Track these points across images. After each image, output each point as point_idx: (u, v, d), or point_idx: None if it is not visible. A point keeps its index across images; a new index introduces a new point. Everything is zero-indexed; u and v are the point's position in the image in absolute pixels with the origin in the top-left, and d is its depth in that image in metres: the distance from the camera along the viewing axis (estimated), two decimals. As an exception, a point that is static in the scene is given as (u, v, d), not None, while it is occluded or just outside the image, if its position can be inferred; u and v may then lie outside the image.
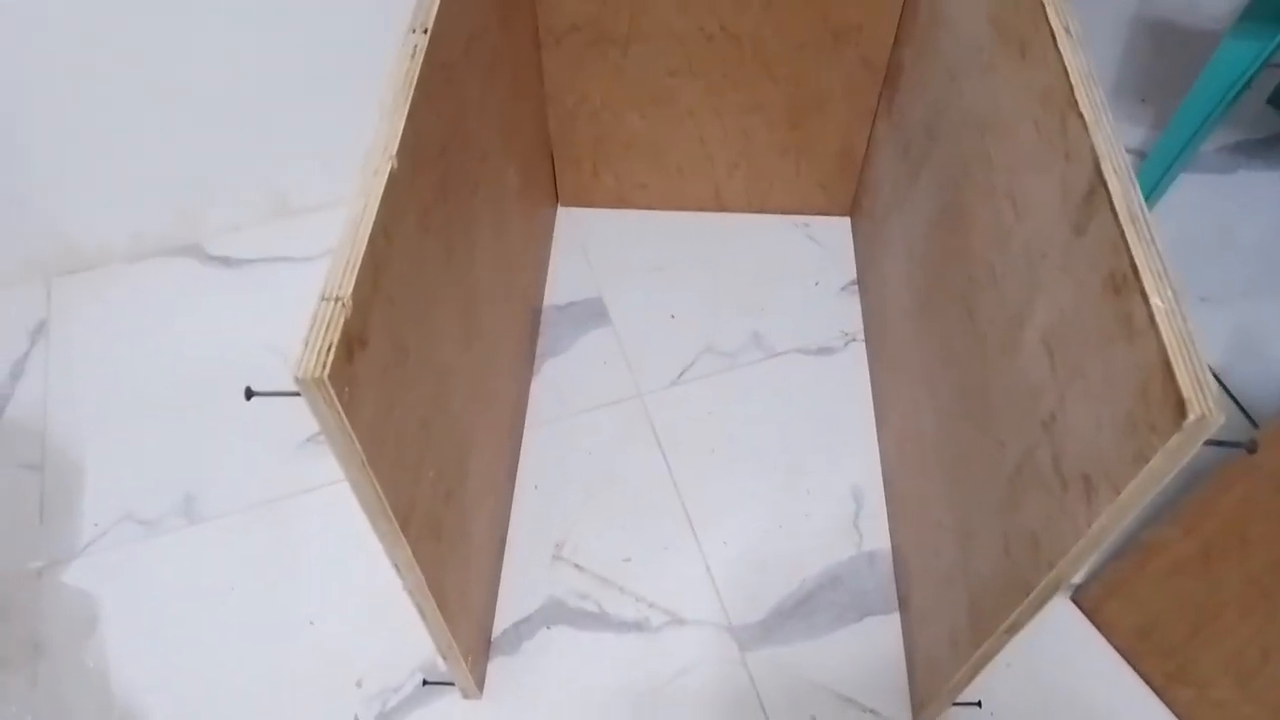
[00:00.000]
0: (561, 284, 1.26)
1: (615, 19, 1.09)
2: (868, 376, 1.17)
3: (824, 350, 1.20)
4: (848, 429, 1.13)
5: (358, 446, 0.54)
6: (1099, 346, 0.58)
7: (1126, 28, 1.59)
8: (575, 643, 0.98)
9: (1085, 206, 0.61)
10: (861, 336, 1.21)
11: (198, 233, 1.30)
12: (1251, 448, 0.55)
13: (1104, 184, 0.59)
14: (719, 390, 1.16)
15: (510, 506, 1.06)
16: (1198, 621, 0.89)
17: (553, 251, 1.29)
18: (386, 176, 0.58)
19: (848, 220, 1.34)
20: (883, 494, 1.08)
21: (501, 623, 0.99)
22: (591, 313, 1.23)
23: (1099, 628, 0.98)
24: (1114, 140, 0.60)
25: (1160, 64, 1.54)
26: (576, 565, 1.02)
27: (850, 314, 1.23)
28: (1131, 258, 0.55)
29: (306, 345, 0.50)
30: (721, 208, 1.33)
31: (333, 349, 0.50)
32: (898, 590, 1.01)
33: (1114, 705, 0.94)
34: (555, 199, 1.33)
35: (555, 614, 0.99)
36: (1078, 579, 1.00)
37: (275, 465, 1.09)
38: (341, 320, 0.51)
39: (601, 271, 1.27)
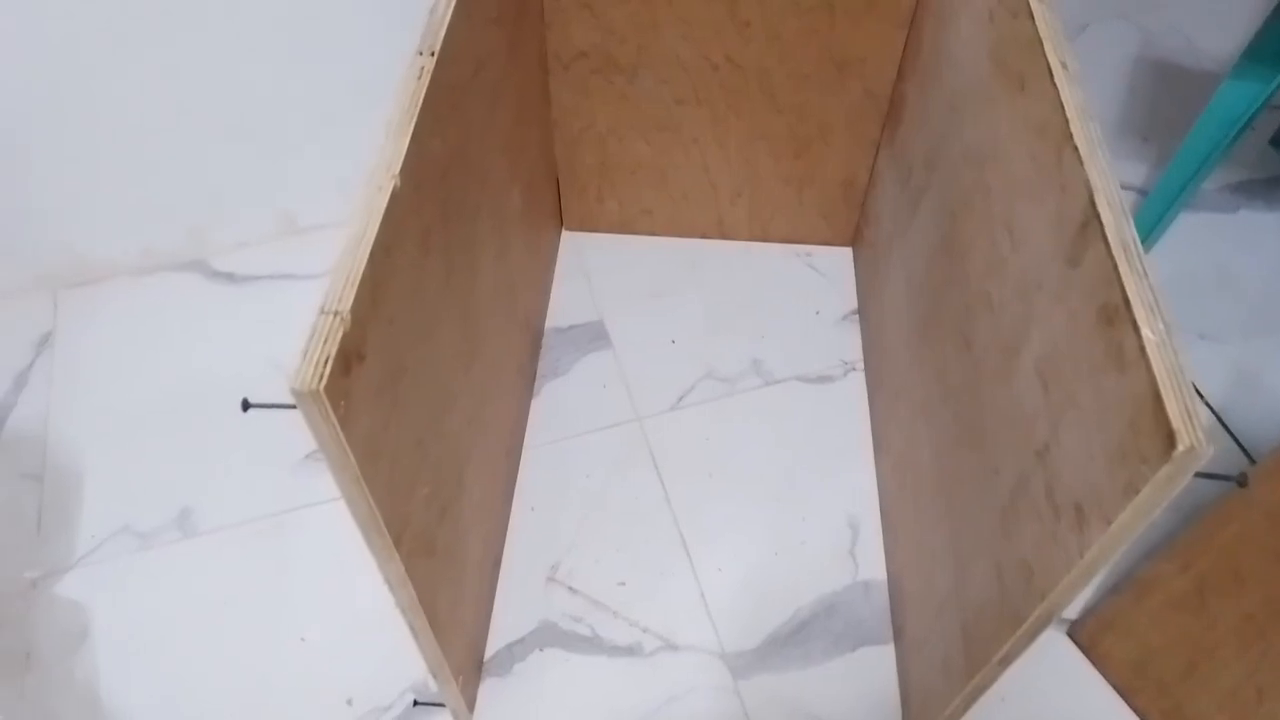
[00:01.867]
0: (563, 307, 1.27)
1: (622, 47, 1.11)
2: (866, 405, 1.18)
3: (823, 378, 1.20)
4: (845, 457, 1.13)
5: (352, 460, 0.55)
6: (1091, 377, 0.59)
7: (1129, 67, 1.61)
8: (568, 666, 0.97)
9: (1079, 238, 0.61)
10: (861, 366, 1.21)
11: (206, 249, 1.31)
12: (1242, 481, 0.55)
13: (1098, 216, 0.59)
14: (718, 416, 1.17)
15: (506, 527, 1.06)
16: (1194, 658, 0.88)
17: (555, 274, 1.30)
18: (389, 195, 0.59)
19: (849, 250, 1.34)
20: (879, 522, 1.08)
21: (494, 644, 0.98)
22: (592, 336, 1.24)
23: (1095, 663, 0.98)
24: (1109, 174, 0.61)
25: (1163, 103, 1.55)
26: (571, 588, 1.02)
27: (850, 343, 1.24)
28: (1124, 290, 0.55)
29: (304, 358, 0.51)
30: (724, 235, 1.34)
31: (330, 362, 0.51)
32: (893, 620, 1.01)
33: (1109, 742, 0.94)
34: (559, 223, 1.34)
35: (548, 636, 0.99)
36: (1072, 613, 1.00)
37: (273, 481, 1.09)
38: (340, 334, 0.52)
39: (603, 295, 1.28)
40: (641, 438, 1.14)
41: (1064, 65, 0.68)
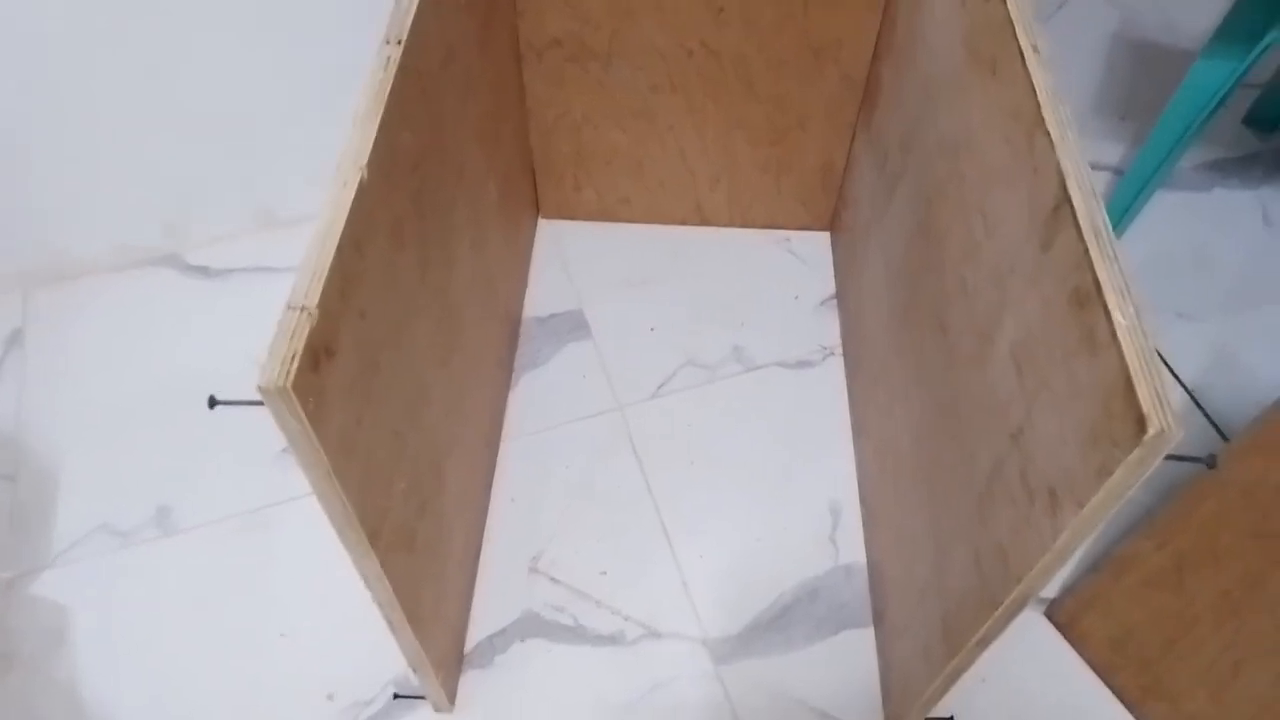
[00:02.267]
0: (541, 296, 1.26)
1: (596, 34, 1.10)
2: (845, 390, 1.18)
3: (803, 364, 1.21)
4: (826, 442, 1.13)
5: (323, 456, 0.54)
6: (1064, 361, 0.59)
7: (1107, 46, 1.61)
8: (550, 656, 0.97)
9: (1051, 222, 0.61)
10: (840, 350, 1.22)
11: (182, 244, 1.29)
12: (1211, 462, 0.56)
13: (1069, 200, 0.59)
14: (698, 403, 1.16)
15: (486, 519, 1.06)
16: (1171, 635, 0.89)
17: (533, 264, 1.30)
18: (356, 187, 0.58)
19: (828, 235, 1.34)
20: (859, 507, 1.08)
21: (475, 635, 0.98)
22: (571, 325, 1.23)
23: (1072, 642, 0.98)
24: (1080, 157, 0.61)
25: (1140, 82, 1.55)
26: (552, 578, 1.02)
27: (829, 328, 1.24)
28: (1095, 274, 0.55)
29: (271, 354, 0.50)
30: (703, 222, 1.34)
31: (297, 358, 0.50)
32: (873, 604, 1.01)
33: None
34: (536, 212, 1.33)
35: (530, 627, 0.99)
36: (1049, 593, 1.01)
37: (251, 476, 1.08)
38: (307, 330, 0.51)
39: (582, 284, 1.27)
40: (622, 426, 1.14)
41: (1035, 49, 0.68)
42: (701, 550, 1.05)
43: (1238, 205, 1.40)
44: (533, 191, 1.30)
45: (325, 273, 0.54)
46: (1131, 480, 0.52)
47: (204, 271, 1.28)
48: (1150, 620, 0.91)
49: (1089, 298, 0.56)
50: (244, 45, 1.12)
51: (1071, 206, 0.59)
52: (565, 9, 1.07)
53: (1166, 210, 1.37)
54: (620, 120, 1.19)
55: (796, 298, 1.27)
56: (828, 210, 1.32)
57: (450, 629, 0.91)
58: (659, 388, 1.18)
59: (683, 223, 1.34)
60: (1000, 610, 0.67)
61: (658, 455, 1.12)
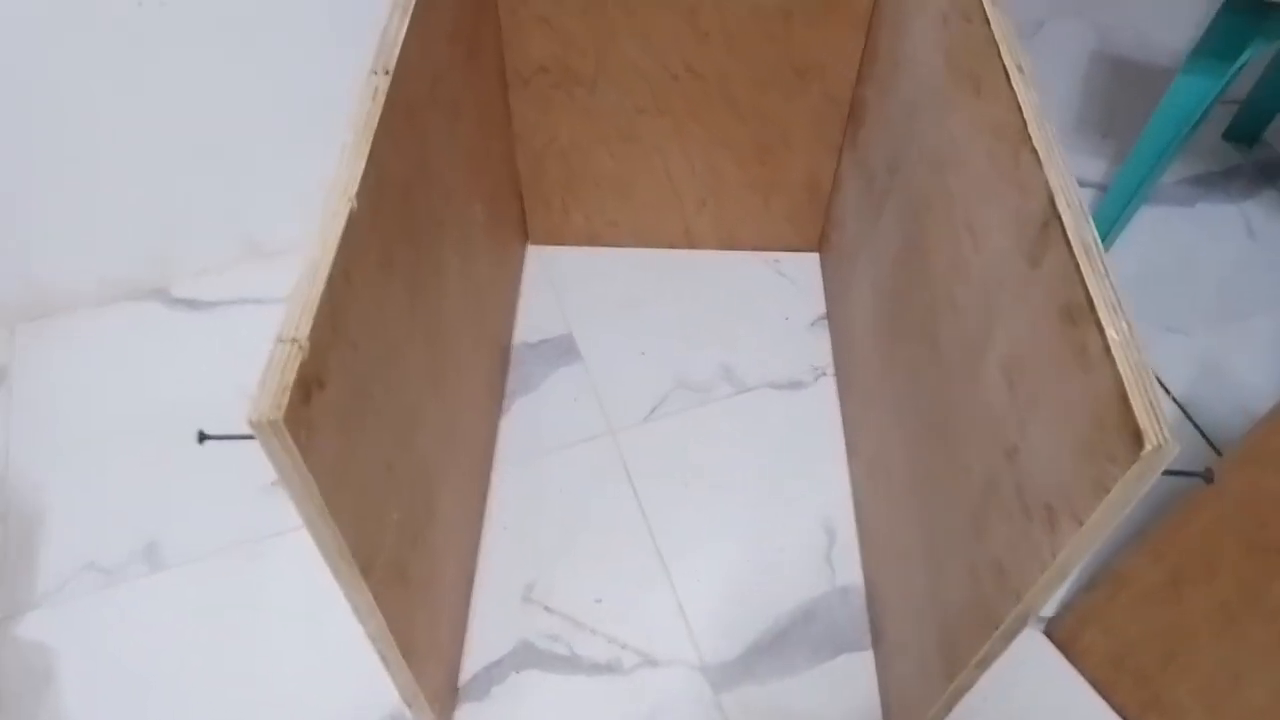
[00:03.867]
0: (531, 322, 1.26)
1: (582, 60, 1.10)
2: (838, 410, 1.18)
3: (794, 385, 1.20)
4: (819, 463, 1.13)
5: (315, 490, 0.54)
6: (1056, 377, 0.59)
7: (1086, 63, 1.63)
8: (546, 686, 0.96)
9: (1040, 239, 0.62)
10: (831, 370, 1.22)
11: (167, 276, 1.29)
12: (1209, 477, 0.55)
13: (1058, 217, 0.59)
14: (691, 426, 1.16)
15: (478, 548, 1.05)
16: (1170, 650, 0.89)
17: (522, 289, 1.29)
18: (345, 218, 0.58)
19: (816, 255, 1.35)
20: (854, 527, 1.08)
21: (470, 667, 0.97)
22: (562, 350, 1.23)
23: (1071, 659, 0.98)
24: (1067, 174, 0.61)
25: (1120, 99, 1.57)
26: (547, 607, 1.01)
27: (820, 348, 1.24)
28: (1086, 290, 0.55)
29: (261, 387, 0.50)
30: (691, 244, 1.34)
31: (288, 391, 0.50)
32: (871, 625, 1.01)
33: (1090, 738, 0.94)
34: (525, 237, 1.33)
35: (525, 657, 0.98)
36: (1048, 611, 1.00)
37: (240, 510, 1.07)
38: (297, 362, 0.51)
39: (571, 309, 1.27)
40: (615, 451, 1.13)
41: (1019, 68, 0.68)
42: (697, 574, 1.04)
43: (1221, 219, 1.41)
44: (521, 217, 1.29)
45: (315, 304, 0.53)
46: (1130, 496, 0.52)
47: (190, 304, 1.27)
48: (1148, 635, 0.91)
49: (1081, 313, 0.56)
50: (228, 77, 1.12)
51: (1061, 223, 0.59)
52: (550, 34, 1.07)
53: (1150, 225, 1.38)
54: (607, 144, 1.20)
55: (787, 319, 1.27)
56: (815, 231, 1.32)
57: (444, 661, 0.90)
58: (651, 411, 1.17)
59: (671, 245, 1.34)
60: (1000, 629, 0.66)
61: (651, 479, 1.11)
